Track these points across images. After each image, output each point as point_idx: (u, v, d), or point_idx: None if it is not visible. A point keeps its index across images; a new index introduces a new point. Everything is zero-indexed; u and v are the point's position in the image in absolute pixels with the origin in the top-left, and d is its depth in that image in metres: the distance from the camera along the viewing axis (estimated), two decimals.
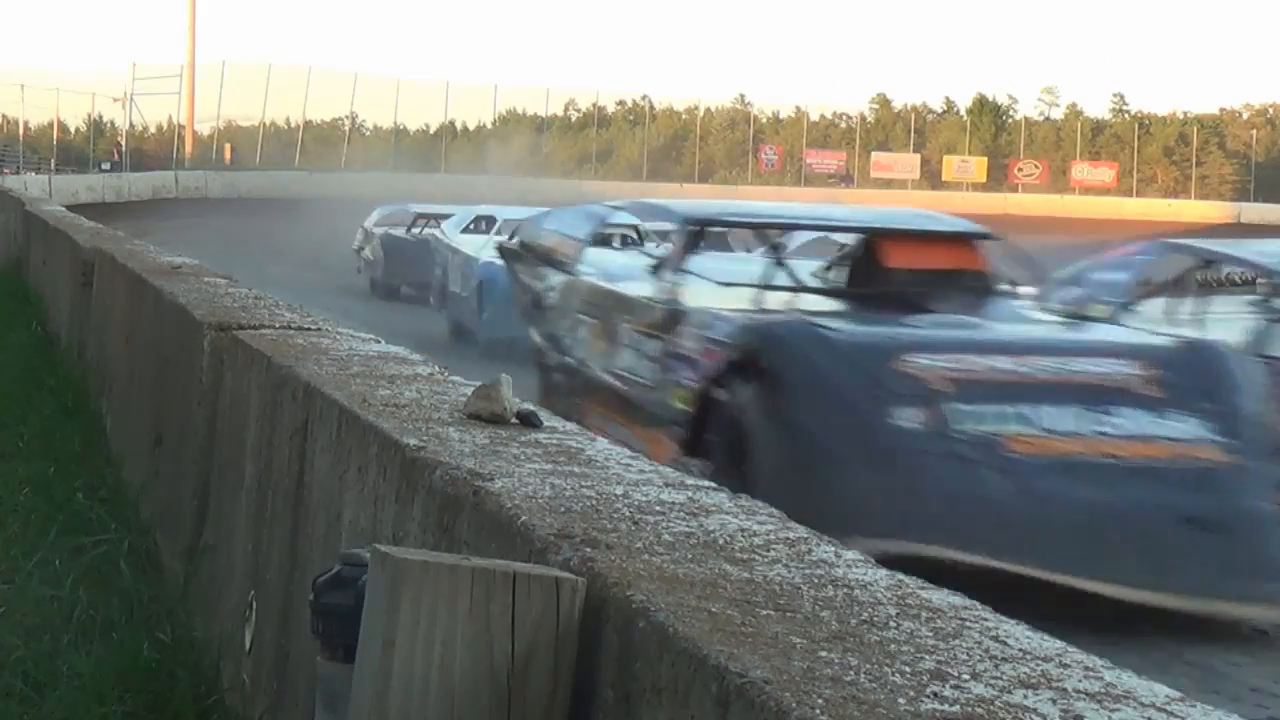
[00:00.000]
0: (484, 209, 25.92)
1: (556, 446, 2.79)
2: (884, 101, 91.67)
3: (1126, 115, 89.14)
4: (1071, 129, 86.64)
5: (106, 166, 59.48)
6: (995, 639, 1.75)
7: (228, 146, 67.30)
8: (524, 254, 11.80)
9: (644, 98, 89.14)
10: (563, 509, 2.27)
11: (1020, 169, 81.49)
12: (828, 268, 10.98)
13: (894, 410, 7.65)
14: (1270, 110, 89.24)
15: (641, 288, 9.84)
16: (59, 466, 6.74)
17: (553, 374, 10.65)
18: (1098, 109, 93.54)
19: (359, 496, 3.01)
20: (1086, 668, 1.67)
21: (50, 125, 64.76)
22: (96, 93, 66.77)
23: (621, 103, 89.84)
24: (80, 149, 63.76)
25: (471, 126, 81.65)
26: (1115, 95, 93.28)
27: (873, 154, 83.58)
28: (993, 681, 1.60)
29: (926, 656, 1.67)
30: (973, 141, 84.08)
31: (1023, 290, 10.06)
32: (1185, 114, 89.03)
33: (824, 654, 1.66)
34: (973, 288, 9.69)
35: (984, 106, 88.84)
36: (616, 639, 1.86)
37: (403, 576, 1.88)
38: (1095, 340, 8.80)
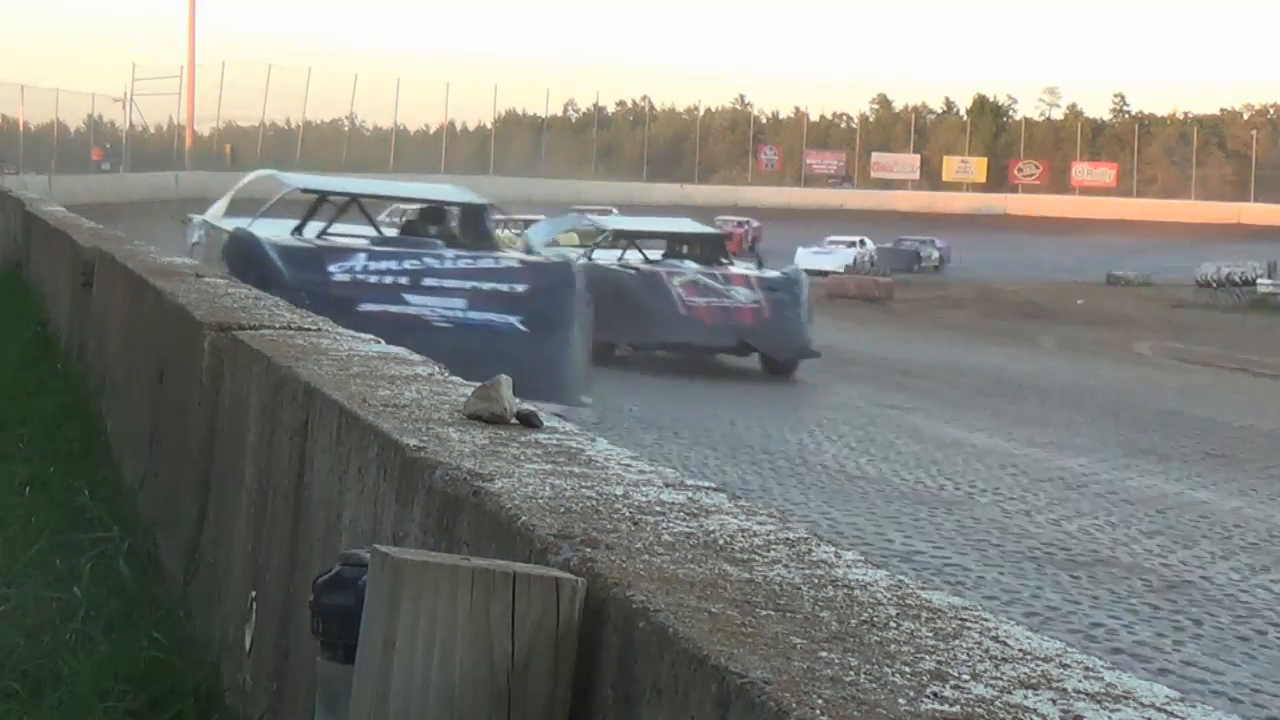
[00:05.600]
0: None
1: (556, 447, 2.79)
2: (884, 102, 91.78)
3: (1127, 116, 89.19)
4: (1071, 129, 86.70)
5: (106, 167, 59.52)
6: (995, 639, 1.75)
7: (228, 146, 67.33)
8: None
9: (644, 98, 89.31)
10: (563, 509, 2.27)
11: (1020, 169, 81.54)
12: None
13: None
14: (1270, 111, 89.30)
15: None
16: (59, 466, 6.74)
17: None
18: (1098, 109, 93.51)
19: (359, 497, 3.01)
20: (1086, 668, 1.68)
21: (50, 125, 64.78)
22: (96, 93, 66.85)
23: (622, 103, 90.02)
24: (81, 149, 63.79)
25: (471, 127, 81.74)
26: (1115, 96, 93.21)
27: (873, 154, 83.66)
28: (993, 682, 1.60)
29: (926, 657, 1.67)
30: (973, 142, 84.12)
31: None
32: (1185, 114, 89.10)
33: (824, 654, 1.66)
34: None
35: (984, 107, 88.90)
36: (616, 639, 1.86)
37: (403, 577, 1.88)
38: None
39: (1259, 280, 42.84)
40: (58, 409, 8.20)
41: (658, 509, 2.33)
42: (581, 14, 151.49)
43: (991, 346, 27.22)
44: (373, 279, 14.21)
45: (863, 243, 54.06)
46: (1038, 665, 1.67)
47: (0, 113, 64.88)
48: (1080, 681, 1.63)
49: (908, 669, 1.63)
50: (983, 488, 11.33)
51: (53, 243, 12.77)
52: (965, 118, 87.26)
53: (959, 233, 61.61)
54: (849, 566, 2.05)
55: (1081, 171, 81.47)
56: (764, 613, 1.80)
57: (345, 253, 14.90)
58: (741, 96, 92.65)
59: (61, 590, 4.82)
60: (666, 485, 2.52)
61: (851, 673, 1.60)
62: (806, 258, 51.59)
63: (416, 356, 4.21)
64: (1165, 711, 1.55)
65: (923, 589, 1.96)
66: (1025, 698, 1.56)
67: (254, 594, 3.76)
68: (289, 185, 18.55)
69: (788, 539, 2.18)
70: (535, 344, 13.44)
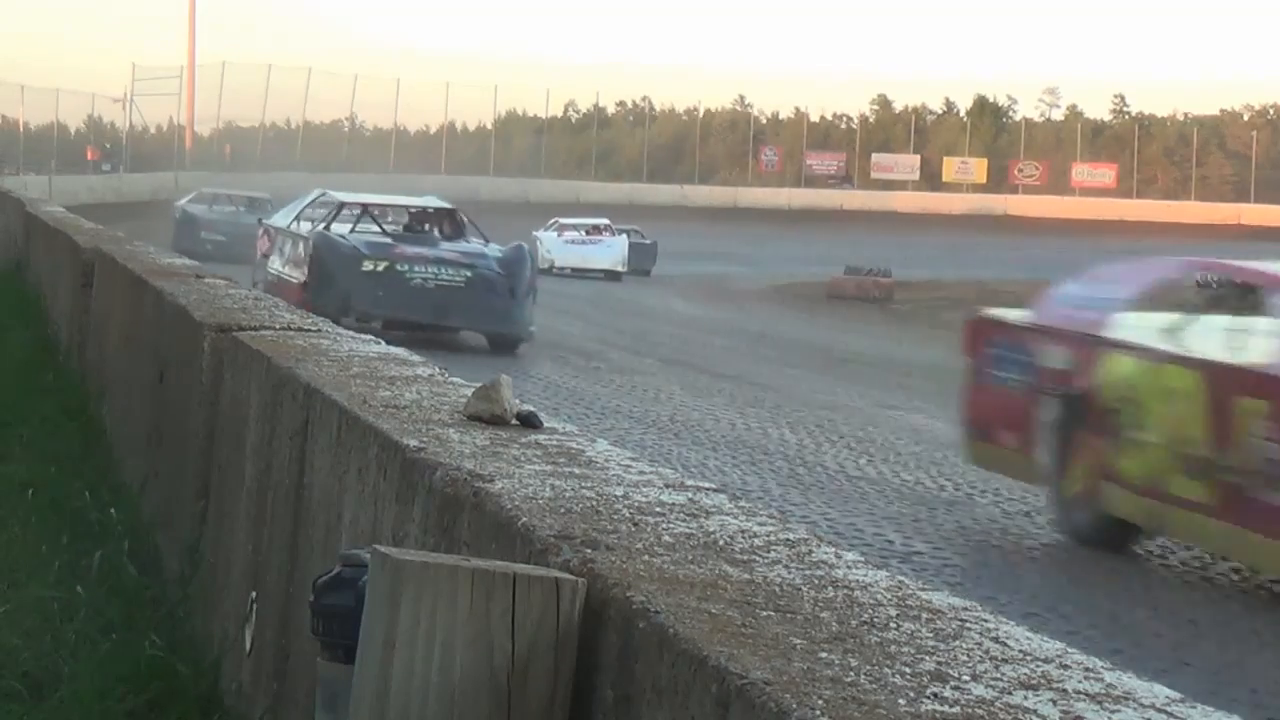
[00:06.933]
0: None
1: (556, 447, 2.80)
2: (884, 102, 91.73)
3: (1127, 116, 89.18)
4: (1072, 130, 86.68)
5: (107, 168, 59.53)
6: (995, 640, 1.76)
7: (227, 147, 67.31)
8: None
9: (644, 99, 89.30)
10: (563, 510, 2.27)
11: (1020, 170, 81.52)
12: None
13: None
14: (1270, 111, 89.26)
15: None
16: (59, 467, 6.74)
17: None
18: (1098, 109, 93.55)
19: (359, 497, 3.01)
20: (1086, 669, 1.68)
21: (50, 125, 64.80)
22: (96, 93, 66.90)
23: (622, 104, 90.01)
24: (81, 150, 63.81)
25: (471, 127, 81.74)
26: (1116, 96, 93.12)
27: (873, 155, 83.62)
28: (993, 683, 1.61)
29: (926, 658, 1.67)
30: (973, 142, 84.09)
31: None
32: (1185, 115, 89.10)
33: (824, 655, 1.66)
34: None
35: (984, 107, 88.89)
36: (616, 640, 1.86)
37: (403, 577, 1.88)
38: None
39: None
40: (58, 409, 8.20)
41: (658, 510, 2.33)
42: (581, 14, 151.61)
43: None
44: None
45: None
46: (1038, 666, 1.67)
47: (0, 113, 64.97)
48: (1080, 682, 1.63)
49: (908, 669, 1.63)
50: (983, 488, 11.33)
51: (53, 243, 12.77)
52: (965, 118, 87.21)
53: (959, 233, 61.59)
54: (849, 567, 2.05)
55: (1081, 172, 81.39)
56: (764, 613, 1.80)
57: None
58: (741, 97, 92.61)
59: (62, 590, 4.82)
60: (666, 486, 2.52)
61: (852, 673, 1.60)
62: (559, 249, 40.30)
63: (417, 357, 4.21)
64: (1165, 712, 1.55)
65: (923, 589, 1.96)
66: (1025, 698, 1.56)
67: (254, 594, 3.76)
68: None
69: (788, 540, 2.18)
70: None
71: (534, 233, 38.93)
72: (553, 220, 42.08)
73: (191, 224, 36.50)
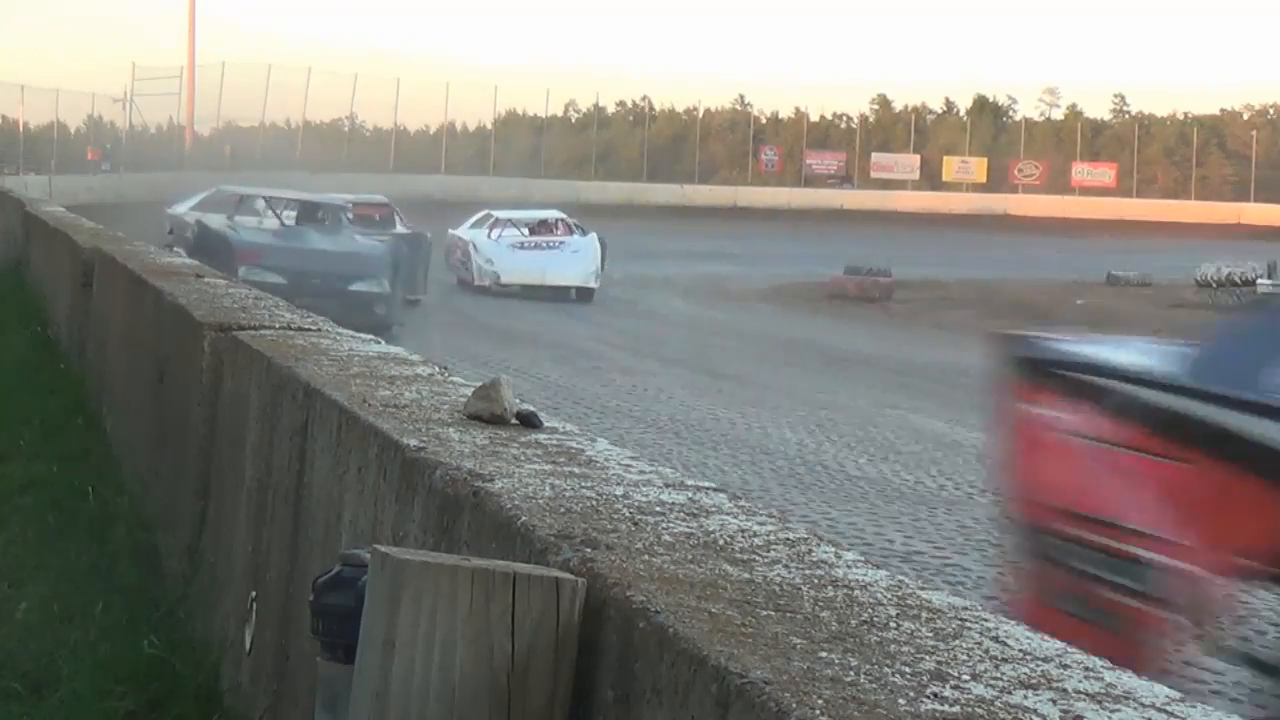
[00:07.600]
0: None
1: (556, 447, 2.79)
2: (884, 102, 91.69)
3: (1127, 116, 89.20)
4: (1072, 129, 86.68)
5: (106, 168, 59.55)
6: (995, 639, 1.75)
7: (228, 147, 67.30)
8: None
9: (644, 98, 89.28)
10: (563, 510, 2.27)
11: (1020, 170, 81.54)
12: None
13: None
14: (1270, 111, 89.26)
15: None
16: (60, 466, 6.74)
17: None
18: (1098, 109, 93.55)
19: (359, 497, 3.01)
20: (1086, 668, 1.68)
21: (50, 125, 64.82)
22: (96, 93, 66.92)
23: (621, 103, 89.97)
24: (81, 150, 63.84)
25: (471, 127, 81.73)
26: (1116, 96, 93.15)
27: (873, 155, 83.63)
28: (993, 682, 1.60)
29: (926, 657, 1.67)
30: (973, 142, 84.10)
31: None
32: (1185, 115, 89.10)
33: (824, 654, 1.66)
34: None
35: (984, 107, 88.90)
36: (616, 639, 1.86)
37: (403, 577, 1.88)
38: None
39: (1259, 280, 42.71)
40: (58, 409, 8.20)
41: (658, 509, 2.33)
42: (581, 15, 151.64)
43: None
44: None
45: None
46: (1038, 665, 1.67)
47: (0, 113, 65.01)
48: (1080, 681, 1.63)
49: (908, 669, 1.63)
50: (983, 488, 11.34)
51: (53, 243, 12.77)
52: (965, 118, 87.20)
53: (959, 233, 61.57)
54: (849, 566, 2.05)
55: (1081, 172, 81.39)
56: (764, 613, 1.80)
57: None
58: (741, 97, 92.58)
59: (62, 590, 4.82)
60: (666, 485, 2.52)
61: (851, 673, 1.60)
62: (505, 258, 28.99)
63: (416, 356, 4.20)
64: (1165, 711, 1.55)
65: (923, 589, 1.96)
66: (1025, 698, 1.56)
67: (254, 594, 3.76)
68: None
69: (788, 539, 2.18)
70: None
71: (451, 231, 29.88)
72: (482, 213, 30.53)
73: (219, 247, 20.80)
